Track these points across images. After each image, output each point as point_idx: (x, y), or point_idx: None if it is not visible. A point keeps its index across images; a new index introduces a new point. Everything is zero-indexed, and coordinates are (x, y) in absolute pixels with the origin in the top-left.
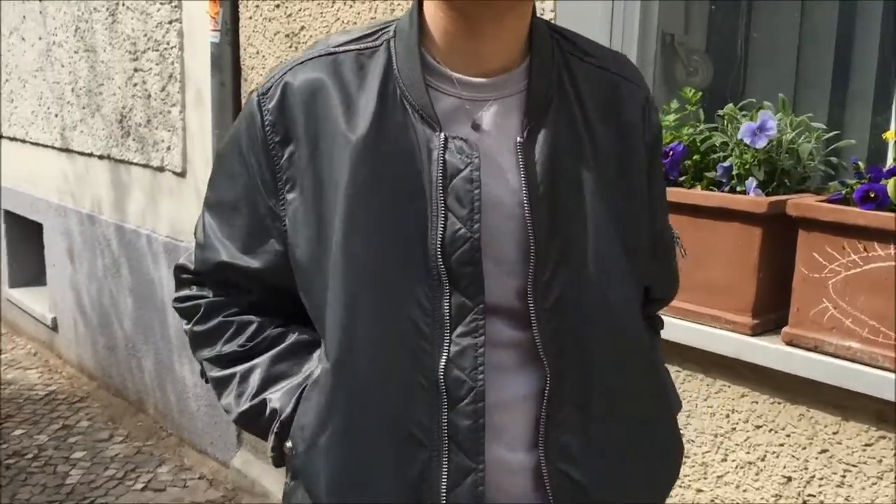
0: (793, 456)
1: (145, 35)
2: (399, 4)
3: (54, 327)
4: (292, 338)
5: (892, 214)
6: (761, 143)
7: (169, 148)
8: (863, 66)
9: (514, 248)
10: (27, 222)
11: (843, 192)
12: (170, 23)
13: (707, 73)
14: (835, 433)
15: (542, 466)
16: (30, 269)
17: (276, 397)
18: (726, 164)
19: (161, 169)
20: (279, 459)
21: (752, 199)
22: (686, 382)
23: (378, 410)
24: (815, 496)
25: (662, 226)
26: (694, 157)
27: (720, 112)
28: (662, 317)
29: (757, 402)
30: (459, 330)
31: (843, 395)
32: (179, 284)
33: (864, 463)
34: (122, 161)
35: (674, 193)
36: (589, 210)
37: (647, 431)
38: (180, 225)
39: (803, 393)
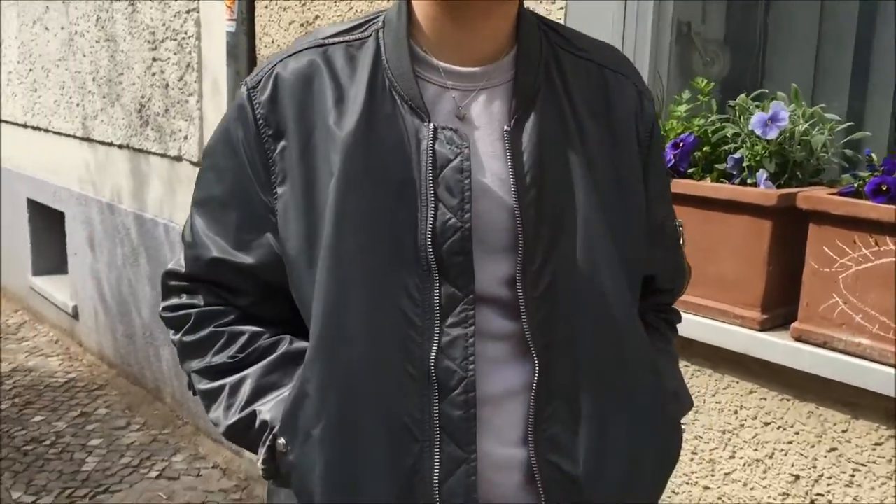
0: (801, 454)
1: (164, 24)
2: None
3: (75, 315)
4: (284, 347)
5: None
6: (772, 134)
7: (186, 137)
8: (884, 57)
9: (503, 236)
10: (50, 211)
11: (855, 184)
12: (187, 12)
13: (724, 64)
14: (844, 431)
15: (531, 459)
16: (52, 258)
17: (266, 409)
18: (737, 155)
19: (178, 158)
20: (272, 471)
21: (762, 191)
22: (694, 378)
23: (370, 402)
24: (823, 495)
25: (663, 216)
26: (704, 149)
27: (731, 102)
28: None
29: (765, 399)
30: (450, 320)
31: (852, 392)
32: (168, 293)
33: (874, 462)
34: (140, 150)
35: (683, 185)
36: (578, 198)
37: (641, 424)
38: None
39: (812, 390)
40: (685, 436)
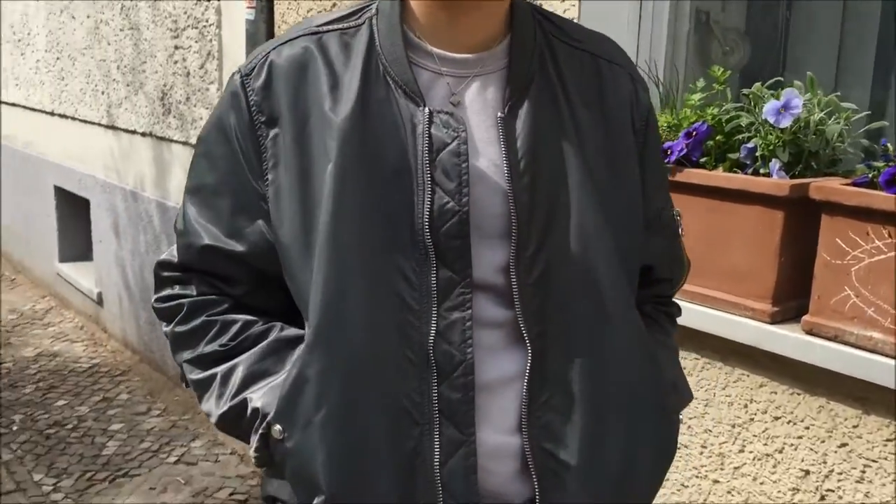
0: (811, 449)
1: (185, 13)
2: None
3: (100, 302)
4: (275, 334)
5: None
6: (785, 123)
7: None
8: None
9: (498, 222)
10: (76, 198)
11: (870, 175)
12: (208, 0)
13: (744, 53)
14: (855, 427)
15: (525, 447)
16: (78, 245)
17: (257, 396)
18: (750, 145)
19: None
20: (265, 459)
21: (774, 181)
22: (704, 370)
23: (371, 387)
24: (833, 491)
25: (660, 205)
26: (717, 138)
27: (745, 91)
28: (679, 303)
29: (776, 393)
30: (447, 304)
31: (863, 387)
32: (161, 284)
33: (885, 458)
34: (163, 138)
35: (695, 175)
36: (572, 186)
37: (637, 415)
38: None
39: (823, 384)
40: (695, 429)
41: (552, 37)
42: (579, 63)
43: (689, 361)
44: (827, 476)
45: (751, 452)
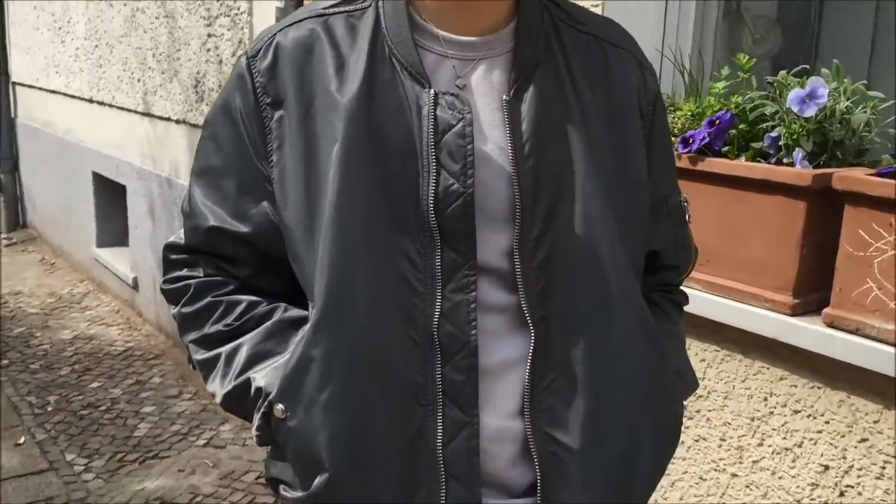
0: (831, 444)
1: (218, 1)
2: None
3: (135, 286)
4: (279, 314)
5: None
6: (810, 112)
7: None
8: None
9: (502, 205)
10: (113, 184)
11: (895, 165)
12: None
13: (775, 41)
14: (875, 422)
15: (527, 430)
16: (115, 230)
17: (260, 375)
18: (774, 134)
19: None
20: (266, 438)
21: (797, 171)
22: (724, 363)
23: (376, 368)
24: (853, 487)
25: (667, 191)
26: (740, 127)
27: (770, 78)
28: (686, 291)
29: (796, 386)
30: (451, 286)
31: (885, 381)
32: (169, 266)
33: None
34: (196, 126)
35: (716, 164)
36: (577, 170)
37: (640, 401)
38: None
39: (844, 378)
40: (714, 422)
41: (559, 20)
42: (586, 47)
43: (708, 353)
44: (846, 472)
45: (770, 446)
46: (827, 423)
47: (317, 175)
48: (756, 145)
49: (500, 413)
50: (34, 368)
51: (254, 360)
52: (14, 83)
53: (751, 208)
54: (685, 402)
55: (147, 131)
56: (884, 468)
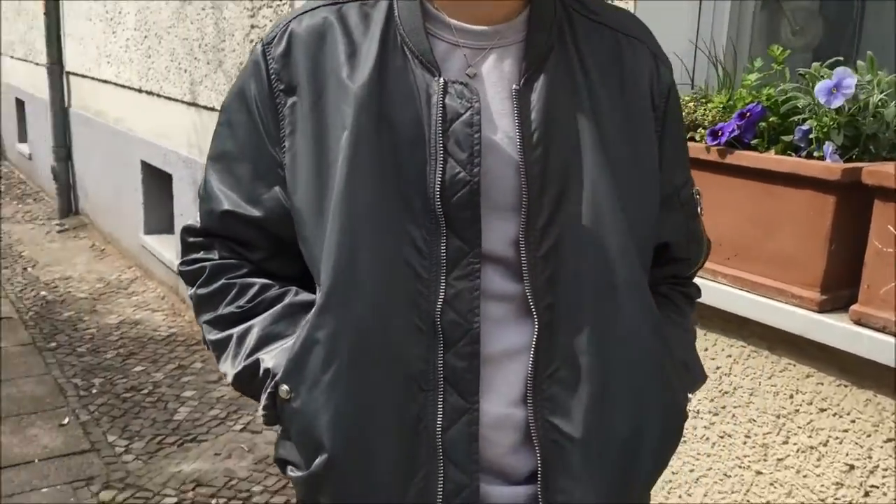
0: (857, 443)
1: None
2: None
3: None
4: (290, 297)
5: None
6: (837, 103)
7: None
8: None
9: (509, 194)
10: (160, 173)
11: None
12: None
13: (815, 33)
14: None
15: (529, 418)
16: (162, 218)
17: (269, 357)
18: (805, 127)
19: None
20: (272, 418)
21: (826, 164)
22: (750, 359)
23: (379, 352)
24: (878, 487)
25: (679, 182)
26: (771, 120)
27: (801, 70)
28: (713, 285)
29: (822, 384)
30: (455, 273)
31: None
32: (186, 249)
33: None
34: None
35: (745, 157)
36: (586, 160)
37: (643, 392)
38: None
39: (870, 376)
40: (739, 419)
41: (572, 10)
42: (599, 37)
43: (734, 349)
44: (872, 471)
45: (795, 444)
46: (853, 421)
47: (326, 161)
48: (787, 138)
49: (502, 400)
50: (81, 352)
51: (264, 342)
52: (68, 73)
53: (779, 202)
54: (691, 395)
55: (193, 121)
56: None
